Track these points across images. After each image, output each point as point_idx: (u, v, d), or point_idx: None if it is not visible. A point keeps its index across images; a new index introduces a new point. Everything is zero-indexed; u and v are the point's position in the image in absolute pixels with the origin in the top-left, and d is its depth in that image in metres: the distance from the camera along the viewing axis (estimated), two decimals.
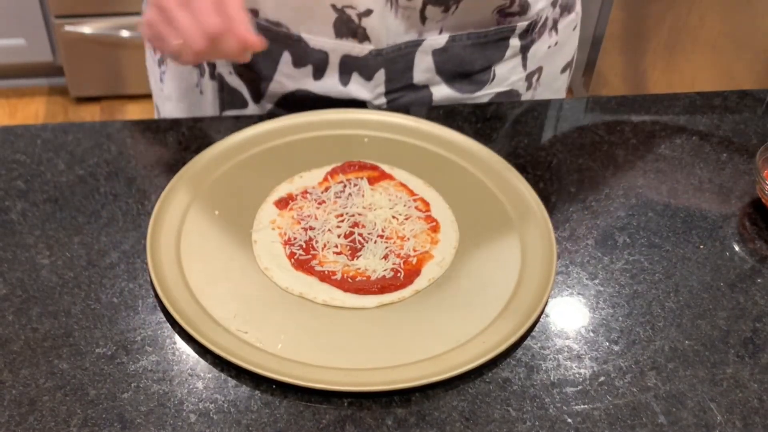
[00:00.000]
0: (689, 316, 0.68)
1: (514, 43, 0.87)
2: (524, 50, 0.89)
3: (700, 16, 2.16)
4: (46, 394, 0.59)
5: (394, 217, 0.73)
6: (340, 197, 0.74)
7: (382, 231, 0.72)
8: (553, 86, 0.97)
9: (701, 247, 0.74)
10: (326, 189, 0.76)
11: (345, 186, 0.76)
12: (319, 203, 0.74)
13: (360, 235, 0.71)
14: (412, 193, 0.76)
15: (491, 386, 0.61)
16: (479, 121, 0.87)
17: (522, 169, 0.80)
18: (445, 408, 0.60)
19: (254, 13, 0.81)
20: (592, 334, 0.66)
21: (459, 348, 0.63)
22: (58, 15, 2.13)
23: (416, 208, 0.74)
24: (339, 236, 0.71)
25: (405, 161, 0.80)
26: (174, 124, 0.84)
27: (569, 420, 0.59)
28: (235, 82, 0.87)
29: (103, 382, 0.60)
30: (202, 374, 0.61)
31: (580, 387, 0.62)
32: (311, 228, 0.71)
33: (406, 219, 0.73)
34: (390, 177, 0.78)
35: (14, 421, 0.57)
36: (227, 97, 0.89)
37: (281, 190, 0.76)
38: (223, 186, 0.76)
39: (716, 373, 0.63)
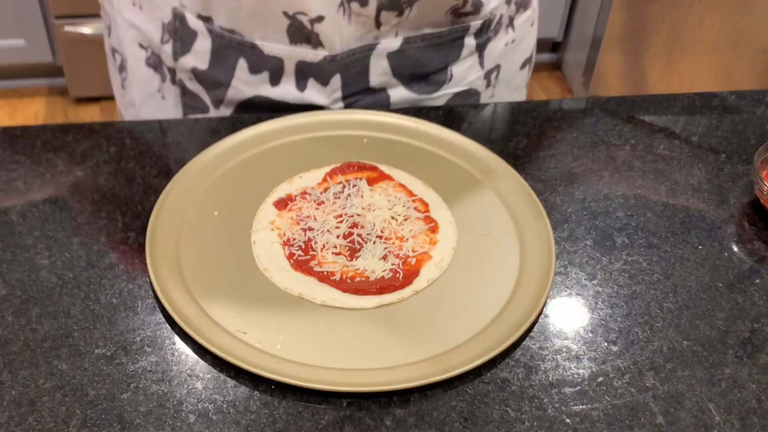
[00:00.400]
0: (688, 316, 0.68)
1: (470, 42, 0.87)
2: (480, 49, 0.89)
3: (699, 16, 2.17)
4: (45, 394, 0.59)
5: (393, 217, 0.73)
6: (339, 198, 0.75)
7: (381, 232, 0.72)
8: (513, 83, 0.97)
9: (700, 247, 0.74)
10: (325, 190, 0.76)
11: (344, 187, 0.76)
12: (318, 204, 0.74)
13: (359, 235, 0.71)
14: (411, 193, 0.76)
15: (490, 386, 0.61)
16: (478, 122, 0.87)
17: (521, 169, 0.80)
18: (444, 408, 0.60)
19: (208, 19, 0.81)
20: (590, 335, 0.66)
21: (458, 348, 0.63)
22: (58, 15, 2.13)
23: (415, 208, 0.75)
24: (338, 237, 0.71)
25: (404, 162, 0.80)
26: (173, 124, 0.85)
27: (568, 420, 0.59)
28: (196, 87, 0.87)
29: (102, 383, 0.60)
30: (201, 375, 0.61)
31: (578, 387, 0.62)
32: (310, 229, 0.72)
33: (405, 219, 0.73)
34: (389, 178, 0.78)
35: (14, 422, 0.57)
36: (189, 101, 0.88)
37: (280, 191, 0.76)
38: (222, 187, 0.76)
39: (714, 374, 0.63)
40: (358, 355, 0.62)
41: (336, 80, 0.85)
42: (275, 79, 0.84)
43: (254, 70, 0.84)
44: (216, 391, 0.60)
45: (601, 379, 0.62)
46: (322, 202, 0.74)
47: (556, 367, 0.63)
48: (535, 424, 0.59)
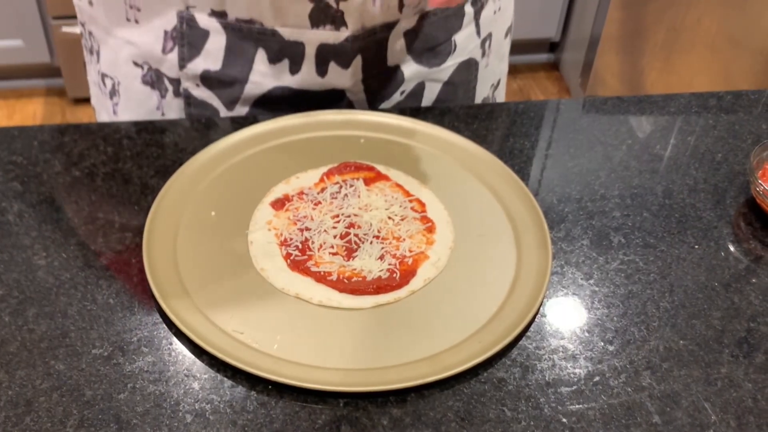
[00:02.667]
0: (684, 316, 0.68)
1: (468, 10, 0.89)
2: (476, 16, 0.91)
3: (697, 17, 2.17)
4: (42, 395, 0.59)
5: (389, 217, 0.73)
6: (336, 198, 0.75)
7: (378, 232, 0.72)
8: (500, 52, 0.99)
9: (696, 247, 0.74)
10: (322, 190, 0.76)
11: (341, 187, 0.76)
12: (315, 204, 0.74)
13: (356, 235, 0.71)
14: (407, 193, 0.76)
15: (486, 386, 0.61)
16: (475, 122, 0.87)
17: (517, 169, 0.80)
18: (441, 408, 0.60)
19: (222, 14, 0.81)
20: (587, 334, 0.66)
21: (454, 348, 0.63)
22: (56, 16, 2.13)
23: (412, 208, 0.75)
24: (335, 237, 0.71)
25: (401, 162, 0.80)
26: (170, 125, 0.85)
27: (564, 420, 0.59)
28: (203, 93, 0.86)
29: (99, 383, 0.60)
30: (198, 375, 0.61)
31: (575, 387, 0.62)
32: (307, 229, 0.72)
33: (402, 219, 0.73)
34: (386, 178, 0.78)
35: (10, 422, 0.57)
36: (194, 111, 0.87)
37: (277, 191, 0.76)
38: (219, 187, 0.76)
39: (711, 373, 0.63)
40: (355, 355, 0.62)
41: (357, 62, 0.84)
42: (295, 67, 0.84)
43: (273, 59, 0.83)
44: (213, 391, 0.60)
45: (597, 378, 0.63)
46: (319, 203, 0.74)
47: (553, 367, 0.63)
48: (532, 423, 0.59)
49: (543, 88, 2.57)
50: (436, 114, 0.88)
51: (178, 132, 0.84)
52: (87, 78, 0.98)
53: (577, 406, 0.60)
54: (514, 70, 2.61)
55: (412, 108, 0.90)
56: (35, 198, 0.75)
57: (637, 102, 0.93)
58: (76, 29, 2.11)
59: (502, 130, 0.87)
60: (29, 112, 2.34)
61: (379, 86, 0.88)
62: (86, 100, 2.33)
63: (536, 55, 2.66)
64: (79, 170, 0.78)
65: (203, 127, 0.84)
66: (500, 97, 1.04)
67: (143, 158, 0.80)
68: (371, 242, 0.71)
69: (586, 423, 0.59)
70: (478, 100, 0.98)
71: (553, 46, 2.65)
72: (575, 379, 0.62)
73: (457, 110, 0.89)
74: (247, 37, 0.81)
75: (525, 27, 2.47)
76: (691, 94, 0.94)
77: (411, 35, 0.86)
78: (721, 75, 2.29)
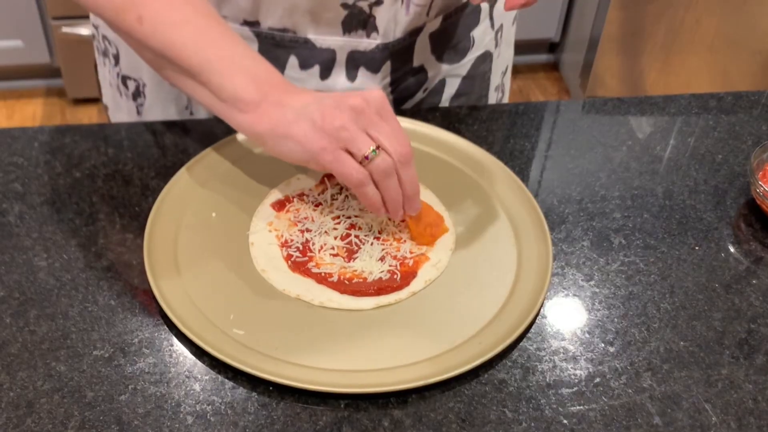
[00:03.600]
0: (684, 317, 0.68)
1: (484, 5, 0.90)
2: (491, 10, 0.92)
3: (696, 17, 2.17)
4: (43, 396, 0.59)
5: (390, 219, 0.73)
6: (336, 199, 0.75)
7: (379, 233, 0.72)
8: (508, 40, 1.00)
9: (696, 248, 0.74)
10: (323, 191, 0.76)
11: (341, 188, 0.76)
12: (316, 205, 0.74)
13: (356, 237, 0.71)
14: None
15: (487, 387, 0.61)
16: (475, 123, 0.87)
17: (518, 170, 0.80)
18: (442, 409, 0.60)
19: (255, 24, 0.81)
20: (587, 336, 0.66)
21: (455, 349, 0.63)
22: (56, 17, 2.13)
23: None
24: (336, 238, 0.71)
25: None
26: (171, 126, 0.85)
27: (565, 421, 0.60)
28: None
29: (100, 385, 0.60)
30: (199, 376, 0.61)
31: (575, 388, 0.62)
32: (308, 230, 0.72)
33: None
34: None
35: (12, 424, 0.57)
36: None
37: (278, 193, 0.76)
38: (220, 188, 0.76)
39: (711, 374, 0.64)
40: (355, 357, 0.62)
41: (386, 66, 0.85)
42: (326, 72, 0.84)
43: (305, 65, 0.83)
44: (214, 392, 0.60)
45: (598, 380, 0.63)
46: (320, 204, 0.74)
47: (553, 368, 0.63)
48: (533, 425, 0.59)
49: (543, 88, 2.57)
50: (437, 115, 0.88)
51: (179, 133, 0.84)
52: (94, 80, 0.98)
53: (577, 407, 0.61)
54: (513, 71, 2.61)
55: (412, 109, 0.90)
56: (36, 199, 0.75)
57: (637, 103, 0.93)
58: (77, 30, 2.11)
59: (502, 132, 0.87)
60: (29, 112, 2.34)
61: (404, 86, 0.89)
62: (86, 101, 2.33)
63: (536, 55, 2.66)
64: (79, 171, 0.78)
65: (204, 129, 0.84)
66: (508, 82, 1.05)
67: (144, 160, 0.80)
68: (372, 243, 0.71)
69: (586, 424, 0.59)
70: (492, 88, 0.99)
71: (553, 47, 2.65)
72: (576, 381, 0.62)
73: (457, 111, 0.89)
74: (279, 44, 0.82)
75: (525, 27, 2.47)
76: (691, 95, 0.94)
77: (435, 36, 0.87)
78: (720, 75, 2.29)
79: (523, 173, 0.81)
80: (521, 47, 2.59)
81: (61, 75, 2.29)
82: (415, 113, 0.87)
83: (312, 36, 0.81)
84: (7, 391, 0.60)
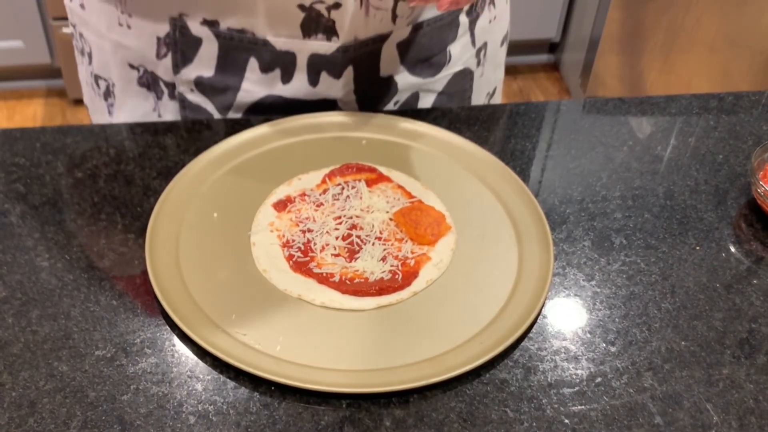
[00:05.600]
0: (685, 317, 0.68)
1: (463, 20, 0.89)
2: (471, 27, 0.91)
3: (696, 17, 2.17)
4: (45, 396, 0.59)
5: (391, 219, 0.73)
6: (338, 199, 0.75)
7: (380, 233, 0.72)
8: (495, 61, 0.99)
9: (697, 248, 0.75)
10: (324, 191, 0.76)
11: (343, 188, 0.76)
12: (318, 205, 0.74)
13: (358, 237, 0.71)
14: (409, 195, 0.77)
15: (489, 387, 0.62)
16: (476, 123, 0.87)
17: (519, 170, 0.80)
18: (443, 409, 0.60)
19: (214, 23, 0.80)
20: (588, 336, 0.66)
21: (457, 349, 0.63)
22: (56, 17, 2.13)
23: None
24: (337, 238, 0.71)
25: (402, 163, 0.80)
26: (172, 126, 0.85)
27: (566, 421, 0.60)
28: (197, 98, 0.86)
29: (102, 384, 0.60)
30: (201, 376, 0.61)
31: (577, 388, 0.62)
32: (309, 230, 0.72)
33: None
34: (387, 179, 0.78)
35: (14, 423, 0.57)
36: (190, 114, 0.87)
37: (279, 193, 0.76)
38: (221, 188, 0.76)
39: (712, 374, 0.64)
40: (357, 356, 0.62)
41: (348, 72, 0.84)
42: (287, 76, 0.84)
43: (265, 68, 0.83)
44: (216, 392, 0.60)
45: (599, 379, 0.63)
46: (321, 204, 0.74)
47: (555, 368, 0.63)
48: (534, 424, 0.59)
49: (543, 88, 2.58)
50: (438, 115, 0.88)
51: (181, 134, 0.84)
52: (79, 77, 0.98)
53: (579, 407, 0.61)
54: (514, 71, 2.61)
55: (413, 110, 0.90)
56: (38, 200, 0.75)
57: (637, 103, 0.94)
58: None
59: (503, 132, 0.87)
60: (29, 113, 2.34)
61: (371, 96, 0.88)
62: None
63: (536, 55, 2.66)
64: (81, 172, 0.78)
65: (205, 129, 0.84)
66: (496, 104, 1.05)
67: (145, 160, 0.80)
68: (373, 244, 0.71)
69: (588, 424, 0.60)
70: None
71: (553, 47, 2.65)
72: (577, 380, 0.62)
73: (458, 112, 0.89)
74: (239, 46, 0.82)
75: (525, 28, 2.48)
76: (692, 95, 0.94)
77: (404, 46, 0.86)
78: (720, 75, 2.29)
79: (524, 173, 0.81)
80: (521, 47, 2.59)
81: (61, 75, 2.29)
82: (416, 113, 0.88)
83: (271, 38, 0.81)
84: (10, 391, 0.60)
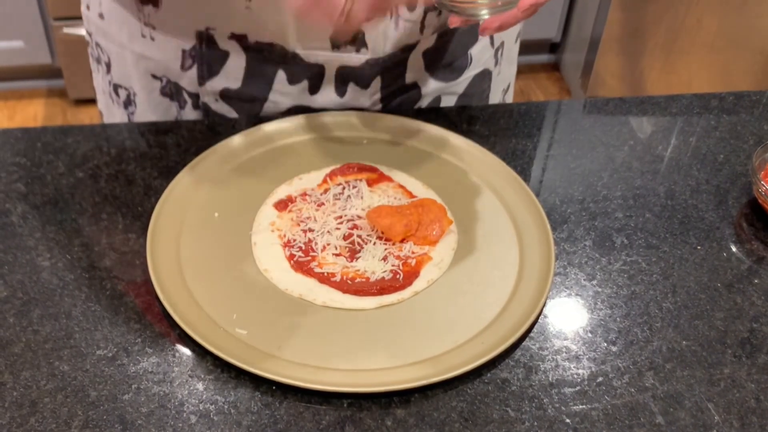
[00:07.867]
0: (687, 316, 0.68)
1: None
2: None
3: (697, 17, 2.17)
4: (47, 395, 0.59)
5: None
6: (339, 199, 0.75)
7: (381, 233, 0.72)
8: (510, 57, 0.99)
9: (698, 248, 0.75)
10: (325, 191, 0.76)
11: (344, 188, 0.76)
12: (319, 205, 0.74)
13: (359, 236, 0.71)
14: (410, 194, 0.77)
15: (490, 387, 0.62)
16: (477, 123, 0.87)
17: (519, 170, 0.80)
18: (444, 409, 0.60)
19: (242, 38, 0.80)
20: (590, 335, 0.66)
21: (458, 349, 0.63)
22: (57, 17, 2.13)
23: None
24: (338, 238, 0.71)
25: (403, 163, 0.80)
26: (174, 126, 0.85)
27: (567, 420, 0.60)
28: (222, 108, 0.86)
29: (103, 384, 0.60)
30: (202, 375, 0.61)
31: (578, 387, 0.62)
32: (310, 230, 0.72)
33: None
34: (388, 179, 0.78)
35: (15, 423, 0.57)
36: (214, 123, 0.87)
37: (280, 192, 0.76)
38: (222, 188, 0.76)
39: (713, 374, 0.64)
40: (358, 356, 0.63)
41: (376, 82, 0.85)
42: (315, 88, 0.84)
43: (293, 80, 0.83)
44: (217, 392, 0.60)
45: (600, 379, 0.63)
46: (323, 204, 0.74)
47: (556, 368, 0.63)
48: (535, 424, 0.59)
49: (543, 88, 2.58)
50: (438, 115, 0.88)
51: (181, 133, 0.84)
52: (93, 83, 0.98)
53: (580, 406, 0.61)
54: None
55: (414, 109, 0.90)
56: (39, 199, 0.75)
57: (638, 103, 0.94)
58: (78, 31, 2.12)
59: (504, 131, 0.87)
60: (30, 113, 2.34)
61: (397, 103, 0.88)
62: (87, 101, 2.33)
63: (537, 55, 2.66)
64: (82, 171, 0.78)
65: (206, 129, 0.84)
66: (509, 99, 1.05)
67: (146, 159, 0.80)
68: (374, 243, 0.71)
69: (589, 423, 0.59)
70: None
71: (554, 47, 2.65)
72: (578, 380, 0.62)
73: (459, 111, 0.89)
74: (267, 59, 0.81)
75: (526, 28, 2.47)
76: (693, 95, 0.94)
77: (430, 54, 0.86)
78: (721, 75, 2.29)
79: (524, 173, 0.81)
80: (522, 47, 2.59)
81: (62, 75, 2.29)
82: (417, 113, 0.88)
83: (300, 51, 0.81)
84: (11, 390, 0.60)
